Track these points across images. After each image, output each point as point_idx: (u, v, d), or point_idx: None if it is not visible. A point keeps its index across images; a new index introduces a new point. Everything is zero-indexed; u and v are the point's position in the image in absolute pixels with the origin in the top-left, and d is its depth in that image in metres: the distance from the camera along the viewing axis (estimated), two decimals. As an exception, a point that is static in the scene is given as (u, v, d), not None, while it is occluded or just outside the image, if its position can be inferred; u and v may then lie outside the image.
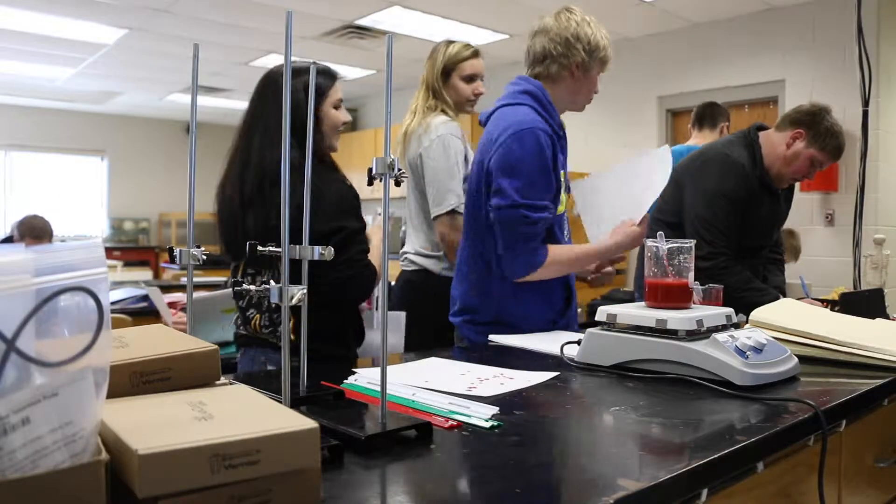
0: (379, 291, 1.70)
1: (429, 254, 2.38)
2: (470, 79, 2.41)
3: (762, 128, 2.46)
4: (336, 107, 1.79)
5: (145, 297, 3.35)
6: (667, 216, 2.43)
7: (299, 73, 1.62)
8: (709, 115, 3.84)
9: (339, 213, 1.62)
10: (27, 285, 0.52)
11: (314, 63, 1.62)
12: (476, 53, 2.43)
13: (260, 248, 1.03)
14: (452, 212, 2.24)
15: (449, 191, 2.26)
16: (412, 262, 2.42)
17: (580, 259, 1.86)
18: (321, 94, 1.75)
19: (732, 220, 2.31)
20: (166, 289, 3.88)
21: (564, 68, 1.86)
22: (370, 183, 0.96)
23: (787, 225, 4.66)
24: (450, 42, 2.45)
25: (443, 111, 2.39)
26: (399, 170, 0.94)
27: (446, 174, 2.26)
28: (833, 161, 2.41)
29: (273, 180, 1.59)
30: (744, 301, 2.16)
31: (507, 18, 5.39)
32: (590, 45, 1.87)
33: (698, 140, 3.65)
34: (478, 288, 1.86)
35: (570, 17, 1.89)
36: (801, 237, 4.55)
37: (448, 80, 2.40)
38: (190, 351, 0.80)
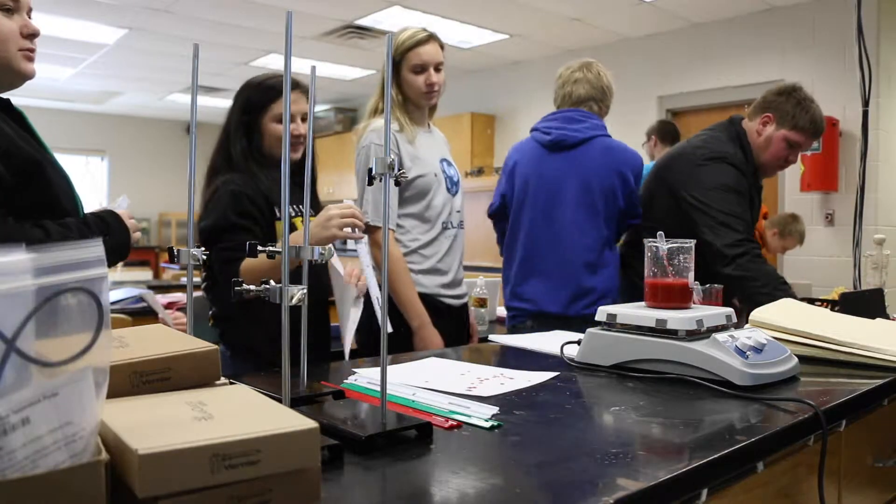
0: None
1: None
2: (419, 69, 2.12)
3: (739, 118, 2.37)
4: (281, 121, 1.77)
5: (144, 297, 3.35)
6: (654, 221, 2.26)
7: (263, 84, 1.81)
8: (670, 131, 4.17)
9: (206, 212, 1.75)
10: (27, 285, 0.52)
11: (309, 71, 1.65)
12: (425, 40, 2.15)
13: (260, 247, 1.03)
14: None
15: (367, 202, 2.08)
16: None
17: None
18: (260, 108, 1.80)
19: (747, 214, 2.22)
20: (166, 289, 3.88)
21: (600, 110, 2.39)
22: (370, 183, 0.96)
23: (790, 209, 4.71)
24: (404, 30, 2.19)
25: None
26: (399, 170, 0.94)
27: (363, 184, 2.10)
28: (813, 138, 2.30)
29: (207, 180, 1.81)
30: (775, 296, 1.99)
31: (507, 18, 5.40)
32: (612, 92, 2.41)
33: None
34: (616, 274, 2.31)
35: (599, 71, 2.41)
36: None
37: (400, 73, 2.15)
38: (190, 351, 0.80)
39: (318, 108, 8.67)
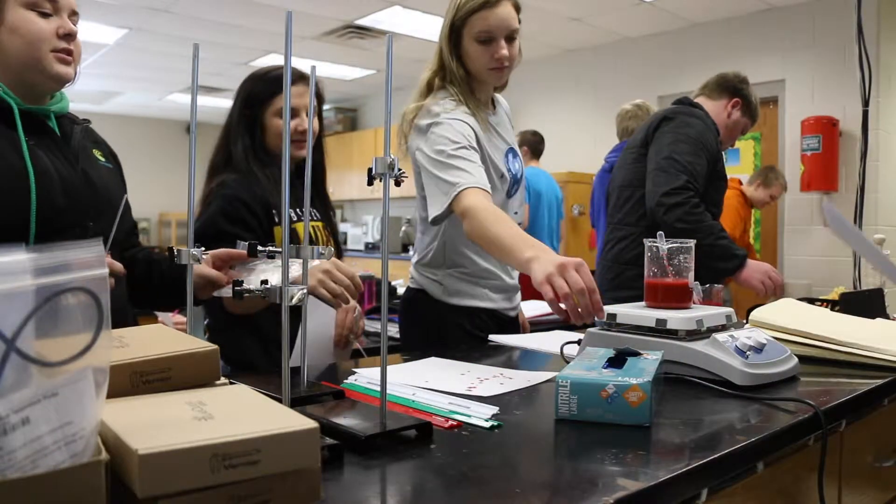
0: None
1: (429, 274, 1.84)
2: (485, 38, 1.67)
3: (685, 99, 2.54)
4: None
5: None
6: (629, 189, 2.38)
7: (266, 76, 1.70)
8: (541, 149, 4.68)
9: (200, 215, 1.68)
10: (27, 285, 0.52)
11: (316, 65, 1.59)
12: (496, 0, 1.66)
13: (260, 247, 1.03)
14: None
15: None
16: (413, 277, 1.91)
17: None
18: (262, 101, 1.69)
19: (704, 168, 2.22)
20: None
21: None
22: (370, 183, 0.95)
23: (790, 209, 4.79)
24: None
25: (447, 89, 1.74)
26: (399, 170, 0.94)
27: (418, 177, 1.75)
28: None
29: (207, 180, 1.70)
30: (717, 250, 2.13)
31: (507, 18, 5.39)
32: None
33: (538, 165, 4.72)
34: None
35: (649, 109, 3.40)
36: (799, 235, 4.63)
37: (460, 41, 1.71)
38: (190, 351, 0.80)
39: (318, 108, 8.66)
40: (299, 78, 1.68)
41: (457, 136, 1.62)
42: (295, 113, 1.69)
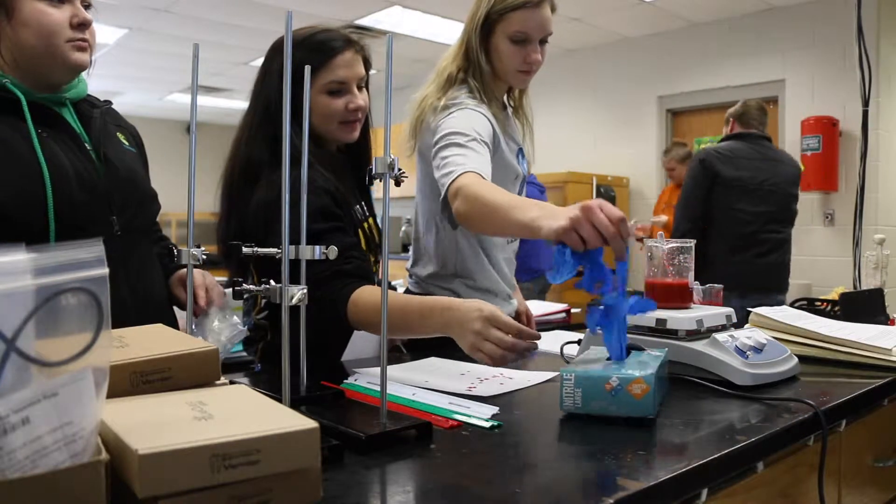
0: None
1: (439, 284, 1.72)
2: (520, 38, 1.60)
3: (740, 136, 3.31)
4: (332, 91, 1.42)
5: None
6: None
7: (307, 42, 1.39)
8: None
9: (273, 224, 1.35)
10: (27, 285, 0.52)
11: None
12: (538, 1, 1.59)
13: (245, 247, 1.02)
14: None
15: None
16: (416, 285, 1.79)
17: None
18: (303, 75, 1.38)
19: None
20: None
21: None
22: (370, 182, 0.95)
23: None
24: None
25: (468, 84, 1.63)
26: (400, 170, 0.94)
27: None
28: None
29: (242, 182, 1.41)
30: None
31: (507, 18, 5.40)
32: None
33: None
34: None
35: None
36: (799, 235, 4.62)
37: (490, 36, 1.62)
38: (190, 351, 0.80)
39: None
40: (348, 43, 1.43)
41: (478, 127, 1.53)
42: (347, 86, 1.44)
